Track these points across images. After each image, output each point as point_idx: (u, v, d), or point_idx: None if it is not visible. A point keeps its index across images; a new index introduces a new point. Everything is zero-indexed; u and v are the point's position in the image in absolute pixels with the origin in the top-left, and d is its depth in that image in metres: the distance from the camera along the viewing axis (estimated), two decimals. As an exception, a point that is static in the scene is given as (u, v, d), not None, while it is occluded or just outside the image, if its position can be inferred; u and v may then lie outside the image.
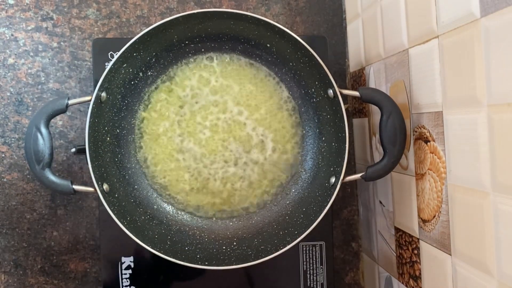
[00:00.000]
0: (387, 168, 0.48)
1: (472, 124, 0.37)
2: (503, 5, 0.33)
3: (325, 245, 0.61)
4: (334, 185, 0.50)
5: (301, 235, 0.49)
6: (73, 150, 0.60)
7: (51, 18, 0.63)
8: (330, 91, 0.51)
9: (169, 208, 0.57)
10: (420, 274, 0.48)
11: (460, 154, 0.39)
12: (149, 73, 0.57)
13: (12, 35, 0.62)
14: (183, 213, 0.57)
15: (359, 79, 0.63)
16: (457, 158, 0.40)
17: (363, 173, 0.49)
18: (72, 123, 0.63)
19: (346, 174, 0.49)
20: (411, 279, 0.50)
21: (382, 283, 0.59)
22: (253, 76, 0.58)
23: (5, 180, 0.61)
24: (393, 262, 0.55)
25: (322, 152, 0.56)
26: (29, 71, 0.62)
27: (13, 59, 0.62)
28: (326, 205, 0.49)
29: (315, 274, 0.61)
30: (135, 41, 0.50)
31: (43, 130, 0.48)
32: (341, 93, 0.50)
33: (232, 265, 0.49)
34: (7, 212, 0.61)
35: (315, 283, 0.61)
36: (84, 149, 0.49)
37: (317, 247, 0.61)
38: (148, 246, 0.48)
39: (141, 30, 0.50)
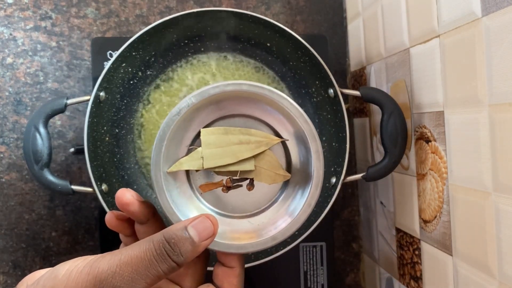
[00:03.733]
0: (388, 168, 0.48)
1: (473, 124, 0.37)
2: (504, 4, 0.33)
3: (325, 245, 0.61)
4: (335, 185, 0.50)
5: (302, 235, 0.49)
6: (72, 150, 0.59)
7: (50, 17, 0.63)
8: (331, 91, 0.51)
9: (168, 208, 0.57)
10: (421, 275, 0.48)
11: (461, 154, 0.39)
12: (148, 73, 0.56)
13: (10, 34, 0.62)
14: (182, 213, 0.57)
15: (359, 79, 0.63)
16: (459, 158, 0.40)
17: (364, 173, 0.48)
18: (71, 123, 0.62)
19: (347, 174, 0.49)
20: (412, 280, 0.50)
21: (383, 284, 0.59)
22: (253, 76, 0.58)
23: (3, 180, 0.61)
24: (394, 263, 0.55)
25: (323, 152, 0.56)
26: (28, 70, 0.62)
27: (12, 58, 0.62)
28: (327, 206, 0.49)
29: (315, 275, 0.60)
30: (134, 40, 0.50)
31: (42, 130, 0.47)
32: (341, 93, 0.50)
33: (232, 265, 0.49)
34: (5, 212, 0.61)
35: (315, 284, 0.60)
36: (83, 149, 0.49)
37: (317, 248, 0.61)
38: (147, 246, 0.48)
39: (140, 29, 0.50)
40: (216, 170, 0.34)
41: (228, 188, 0.35)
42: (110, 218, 0.35)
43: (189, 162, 0.34)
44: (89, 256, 0.30)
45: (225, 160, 0.34)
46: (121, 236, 0.36)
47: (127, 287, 0.27)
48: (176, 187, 0.34)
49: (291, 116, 0.33)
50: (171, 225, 0.31)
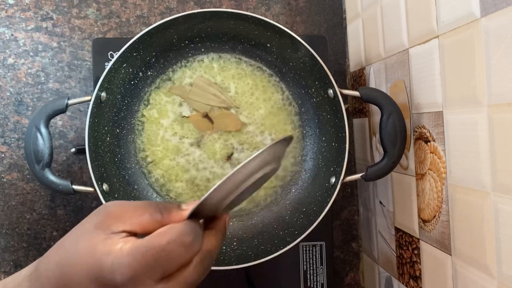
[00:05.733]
0: (387, 168, 0.48)
1: (472, 124, 0.37)
2: (503, 5, 0.33)
3: (325, 245, 0.61)
4: (334, 185, 0.50)
5: (301, 235, 0.49)
6: (73, 150, 0.60)
7: (51, 18, 0.63)
8: (330, 91, 0.51)
9: (169, 208, 0.57)
10: (420, 274, 0.48)
11: (460, 154, 0.39)
12: (149, 73, 0.56)
13: (12, 35, 0.62)
14: (183, 213, 0.57)
15: (359, 79, 0.63)
16: (457, 158, 0.40)
17: (363, 173, 0.49)
18: (72, 123, 0.63)
19: (346, 174, 0.49)
20: (411, 279, 0.50)
21: (382, 283, 0.59)
22: (253, 76, 0.58)
23: (5, 180, 0.61)
24: (393, 262, 0.55)
25: (322, 152, 0.56)
26: (29, 71, 0.62)
27: (13, 59, 0.62)
28: (326, 205, 0.49)
29: (315, 274, 0.61)
30: (135, 41, 0.50)
31: (43, 130, 0.48)
32: (341, 93, 0.50)
33: (232, 265, 0.49)
34: (6, 212, 0.61)
35: (315, 283, 0.61)
36: (84, 149, 0.49)
37: (317, 247, 0.61)
38: (148, 246, 0.48)
39: (141, 30, 0.50)
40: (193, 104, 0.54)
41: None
42: None
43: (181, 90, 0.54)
44: None
45: (201, 99, 0.55)
46: None
47: None
48: None
49: None
50: None
